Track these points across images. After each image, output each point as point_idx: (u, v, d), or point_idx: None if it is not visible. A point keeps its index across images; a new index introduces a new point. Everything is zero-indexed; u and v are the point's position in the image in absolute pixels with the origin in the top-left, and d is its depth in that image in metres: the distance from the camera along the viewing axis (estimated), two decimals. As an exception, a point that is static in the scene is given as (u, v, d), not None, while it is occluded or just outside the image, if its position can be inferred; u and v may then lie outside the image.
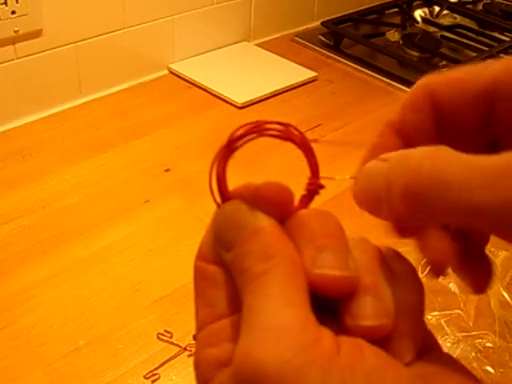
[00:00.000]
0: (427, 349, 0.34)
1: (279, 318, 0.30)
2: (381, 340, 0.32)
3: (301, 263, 0.32)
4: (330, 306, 0.33)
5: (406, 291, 0.34)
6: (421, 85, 0.39)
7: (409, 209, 0.32)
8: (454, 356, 0.88)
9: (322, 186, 0.38)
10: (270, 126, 0.36)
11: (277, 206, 0.35)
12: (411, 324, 0.33)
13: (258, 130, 0.36)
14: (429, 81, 0.39)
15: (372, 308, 0.32)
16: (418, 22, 1.92)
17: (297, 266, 0.32)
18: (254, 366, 0.29)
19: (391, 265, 0.35)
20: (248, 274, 0.32)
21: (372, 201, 0.35)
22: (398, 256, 0.36)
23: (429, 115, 0.38)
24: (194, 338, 0.88)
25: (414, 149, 0.33)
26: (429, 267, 0.36)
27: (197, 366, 0.34)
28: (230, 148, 0.37)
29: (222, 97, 1.45)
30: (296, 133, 0.37)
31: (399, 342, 0.32)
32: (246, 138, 0.36)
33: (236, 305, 0.33)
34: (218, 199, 0.37)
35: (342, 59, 1.67)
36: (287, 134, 0.36)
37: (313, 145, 0.37)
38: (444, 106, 0.38)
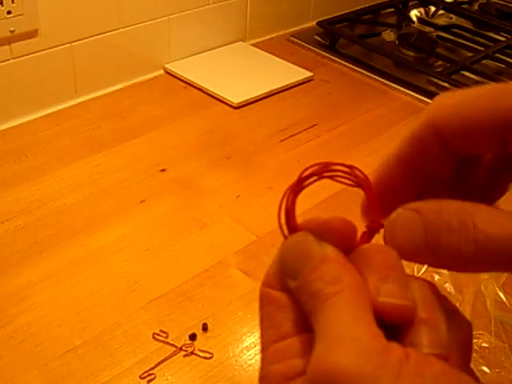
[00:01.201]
0: None
1: (352, 330, 0.32)
2: None
3: (367, 290, 0.34)
4: (390, 333, 0.34)
5: (457, 327, 0.36)
6: (425, 119, 0.37)
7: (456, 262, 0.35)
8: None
9: (382, 225, 0.39)
10: (336, 167, 0.38)
11: (342, 239, 0.37)
12: (463, 358, 0.35)
13: (325, 170, 0.38)
14: (434, 117, 0.37)
15: (429, 337, 0.34)
16: (413, 22, 1.92)
17: (363, 291, 0.34)
18: (330, 370, 0.31)
19: (442, 302, 0.37)
20: (319, 295, 0.34)
21: (410, 251, 0.37)
22: (444, 296, 0.38)
23: (437, 152, 0.38)
24: (190, 338, 0.89)
25: (447, 202, 0.35)
26: None
27: (262, 381, 0.36)
28: (299, 185, 0.39)
29: (218, 97, 1.45)
30: (360, 175, 0.38)
31: None
32: (313, 178, 0.39)
33: (300, 326, 0.36)
34: (286, 232, 0.39)
35: (337, 59, 1.67)
36: (353, 175, 0.38)
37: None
38: (453, 143, 0.36)
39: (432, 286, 0.37)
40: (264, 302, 0.38)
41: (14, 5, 1.21)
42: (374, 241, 0.39)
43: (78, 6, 1.33)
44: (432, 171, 0.39)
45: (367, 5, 1.96)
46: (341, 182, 0.38)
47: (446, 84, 1.54)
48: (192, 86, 1.50)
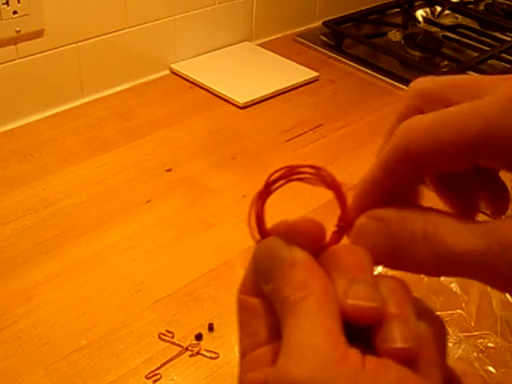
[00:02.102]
0: (450, 380, 0.36)
1: (312, 338, 0.32)
2: (409, 365, 0.34)
3: (334, 293, 0.35)
4: (360, 334, 0.35)
5: (428, 321, 0.36)
6: (398, 147, 0.37)
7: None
8: (456, 356, 0.88)
9: (352, 224, 0.40)
10: (303, 169, 0.39)
11: (311, 240, 0.38)
12: (436, 353, 0.35)
13: (292, 173, 0.39)
14: (406, 141, 0.37)
15: (400, 332, 0.34)
16: (419, 22, 1.92)
17: (330, 295, 0.35)
18: (288, 381, 0.32)
19: (412, 300, 0.38)
20: (287, 301, 0.35)
21: (375, 258, 0.38)
22: (415, 296, 0.38)
23: (410, 175, 0.38)
24: (196, 338, 0.89)
25: (410, 212, 0.37)
26: None
27: None
28: (267, 190, 0.39)
29: (224, 97, 1.45)
30: (327, 175, 0.39)
31: (427, 370, 0.34)
32: (280, 182, 0.39)
33: (276, 333, 0.36)
34: (257, 236, 0.40)
35: (343, 59, 1.67)
36: (319, 176, 0.39)
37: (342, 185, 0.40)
38: (426, 164, 0.37)
39: (402, 283, 0.37)
40: (240, 309, 0.39)
41: (19, 5, 1.22)
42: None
43: (83, 6, 1.33)
44: (405, 192, 0.40)
45: (373, 5, 1.96)
46: (309, 183, 0.39)
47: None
48: (198, 86, 1.50)
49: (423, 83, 0.39)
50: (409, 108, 0.40)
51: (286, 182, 0.39)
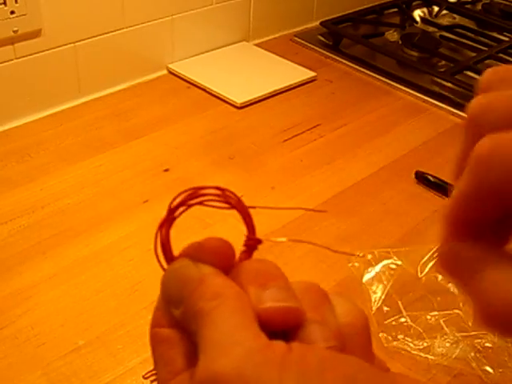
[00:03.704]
0: (381, 370, 0.36)
1: (232, 336, 0.32)
2: None
3: (248, 300, 0.35)
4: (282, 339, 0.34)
5: (348, 318, 0.36)
6: (481, 180, 0.33)
7: None
8: (453, 356, 0.88)
9: (259, 242, 0.40)
10: (207, 191, 0.38)
11: (220, 259, 0.38)
12: (361, 346, 0.35)
13: (195, 196, 0.38)
14: (488, 173, 0.32)
15: (320, 332, 0.34)
16: (417, 22, 1.92)
17: (244, 301, 0.34)
18: (213, 376, 0.31)
19: (332, 299, 0.37)
20: (200, 313, 0.34)
21: None
22: (327, 292, 0.38)
23: (495, 207, 0.34)
24: None
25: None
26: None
27: None
28: (170, 216, 0.39)
29: (221, 97, 1.45)
30: (232, 196, 0.39)
31: None
32: (183, 208, 0.39)
33: (192, 359, 0.35)
34: (165, 264, 0.40)
35: (341, 59, 1.67)
36: (224, 197, 0.39)
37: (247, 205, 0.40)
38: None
39: (314, 285, 0.37)
40: (154, 342, 0.38)
41: (17, 5, 1.21)
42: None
43: (81, 6, 1.33)
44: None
45: (370, 5, 1.96)
46: (212, 207, 0.39)
47: (449, 84, 1.54)
48: (195, 85, 1.50)
49: (482, 113, 0.34)
50: (474, 136, 0.34)
51: (187, 208, 0.38)
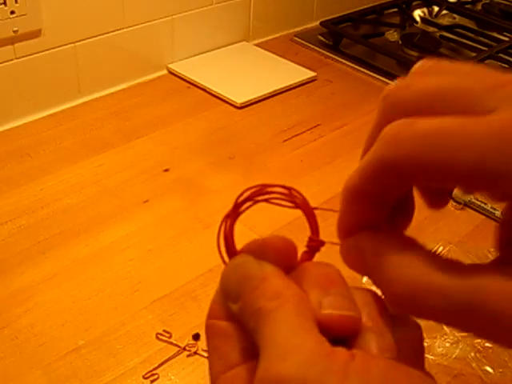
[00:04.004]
0: None
1: (294, 338, 0.32)
2: None
3: (309, 303, 0.34)
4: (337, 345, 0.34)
5: (405, 330, 0.36)
6: (383, 157, 0.34)
7: None
8: (453, 356, 0.88)
9: (322, 243, 0.40)
10: (274, 189, 0.38)
11: (282, 258, 0.37)
12: (413, 361, 0.35)
13: (261, 193, 0.38)
14: (391, 151, 0.33)
15: (376, 343, 0.34)
16: (417, 22, 1.92)
17: (305, 304, 0.34)
18: (276, 379, 0.31)
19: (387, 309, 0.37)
20: (261, 312, 0.34)
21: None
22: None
23: (394, 183, 0.35)
24: (194, 338, 0.89)
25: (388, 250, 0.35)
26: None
27: None
28: (236, 210, 0.39)
29: (221, 97, 1.45)
30: (298, 196, 0.39)
31: None
32: (249, 203, 0.38)
33: (247, 354, 0.35)
34: (226, 258, 0.40)
35: (341, 59, 1.67)
36: (290, 197, 0.39)
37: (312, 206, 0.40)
38: (410, 179, 0.34)
39: (375, 295, 0.37)
40: (210, 333, 0.38)
41: (17, 5, 1.21)
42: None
43: (81, 6, 1.33)
44: (391, 198, 0.37)
45: (370, 5, 1.96)
46: (278, 205, 0.39)
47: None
48: (195, 86, 1.50)
49: (397, 93, 0.36)
50: (386, 115, 0.36)
51: (254, 204, 0.38)
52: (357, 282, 0.96)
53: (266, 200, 0.38)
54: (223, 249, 0.40)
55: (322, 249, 0.40)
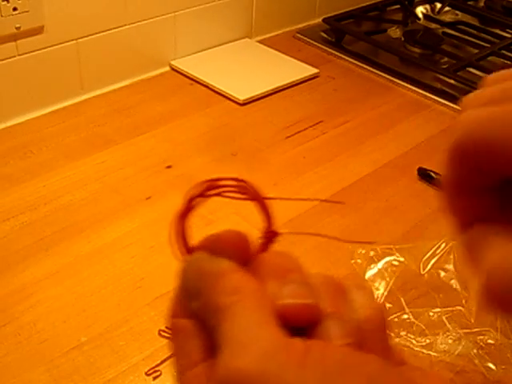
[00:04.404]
0: (399, 363, 0.36)
1: (252, 332, 0.32)
2: None
3: (267, 296, 0.35)
4: (299, 335, 0.34)
5: (366, 311, 0.36)
6: (454, 149, 0.36)
7: None
8: (456, 353, 0.88)
9: (277, 234, 0.40)
10: (225, 182, 0.39)
11: (237, 252, 0.38)
12: (378, 340, 0.35)
13: (213, 187, 0.39)
14: (460, 143, 0.35)
15: (338, 329, 0.34)
16: (419, 19, 1.91)
17: (263, 297, 0.35)
18: (235, 374, 0.31)
19: (350, 293, 0.37)
20: (219, 308, 0.34)
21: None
22: (349, 285, 0.38)
23: (473, 168, 0.35)
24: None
25: None
26: None
27: None
28: (188, 206, 0.39)
29: (224, 93, 1.45)
30: (250, 187, 0.40)
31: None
32: (200, 199, 0.39)
33: (209, 351, 0.35)
34: (181, 255, 0.40)
35: (343, 56, 1.67)
36: (241, 188, 0.39)
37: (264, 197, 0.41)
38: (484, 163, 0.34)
39: (332, 279, 0.37)
40: (173, 333, 0.38)
41: (19, 2, 1.21)
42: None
43: (83, 2, 1.33)
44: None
45: (373, 1, 1.95)
46: (230, 198, 0.39)
47: (451, 81, 1.53)
48: (198, 82, 1.50)
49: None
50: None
51: (207, 197, 0.39)
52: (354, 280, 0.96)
53: (218, 194, 0.39)
54: (177, 246, 0.40)
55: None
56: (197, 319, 0.37)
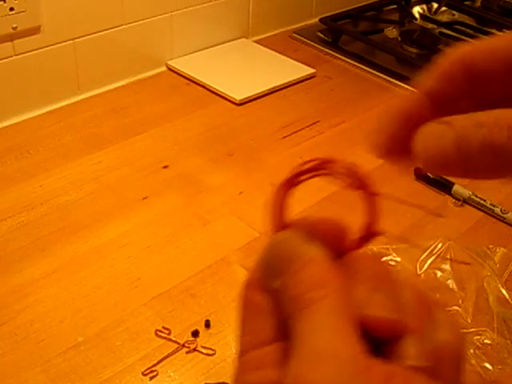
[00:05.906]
0: None
1: (330, 344, 0.30)
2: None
3: (352, 299, 0.33)
4: (376, 345, 0.33)
5: (446, 337, 0.34)
6: (454, 56, 0.35)
7: (488, 162, 0.32)
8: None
9: (377, 234, 0.38)
10: (337, 165, 0.36)
11: (331, 241, 0.36)
12: (452, 368, 0.34)
13: (323, 167, 0.36)
14: (462, 51, 0.35)
15: (415, 349, 0.32)
16: (416, 19, 1.92)
17: (347, 300, 0.32)
18: None
19: (433, 310, 0.36)
20: (298, 301, 0.32)
21: (440, 161, 0.33)
22: (437, 303, 0.36)
23: (461, 85, 0.35)
24: (193, 334, 0.89)
25: (480, 113, 0.33)
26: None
27: None
28: (293, 180, 0.36)
29: (221, 93, 1.45)
30: (362, 177, 0.36)
31: None
32: (309, 174, 0.36)
33: (280, 333, 0.33)
34: (275, 227, 0.37)
35: (340, 56, 1.67)
36: (353, 175, 0.36)
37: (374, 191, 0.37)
38: (477, 76, 0.34)
39: (422, 293, 0.36)
40: (244, 305, 0.36)
41: (16, 1, 1.21)
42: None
43: (80, 2, 1.33)
44: (452, 105, 0.36)
45: (370, 1, 1.96)
46: (338, 180, 0.36)
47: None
48: (194, 82, 1.50)
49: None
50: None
51: (315, 175, 0.36)
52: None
53: (328, 174, 0.36)
54: (273, 217, 0.37)
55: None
56: (272, 298, 0.35)
